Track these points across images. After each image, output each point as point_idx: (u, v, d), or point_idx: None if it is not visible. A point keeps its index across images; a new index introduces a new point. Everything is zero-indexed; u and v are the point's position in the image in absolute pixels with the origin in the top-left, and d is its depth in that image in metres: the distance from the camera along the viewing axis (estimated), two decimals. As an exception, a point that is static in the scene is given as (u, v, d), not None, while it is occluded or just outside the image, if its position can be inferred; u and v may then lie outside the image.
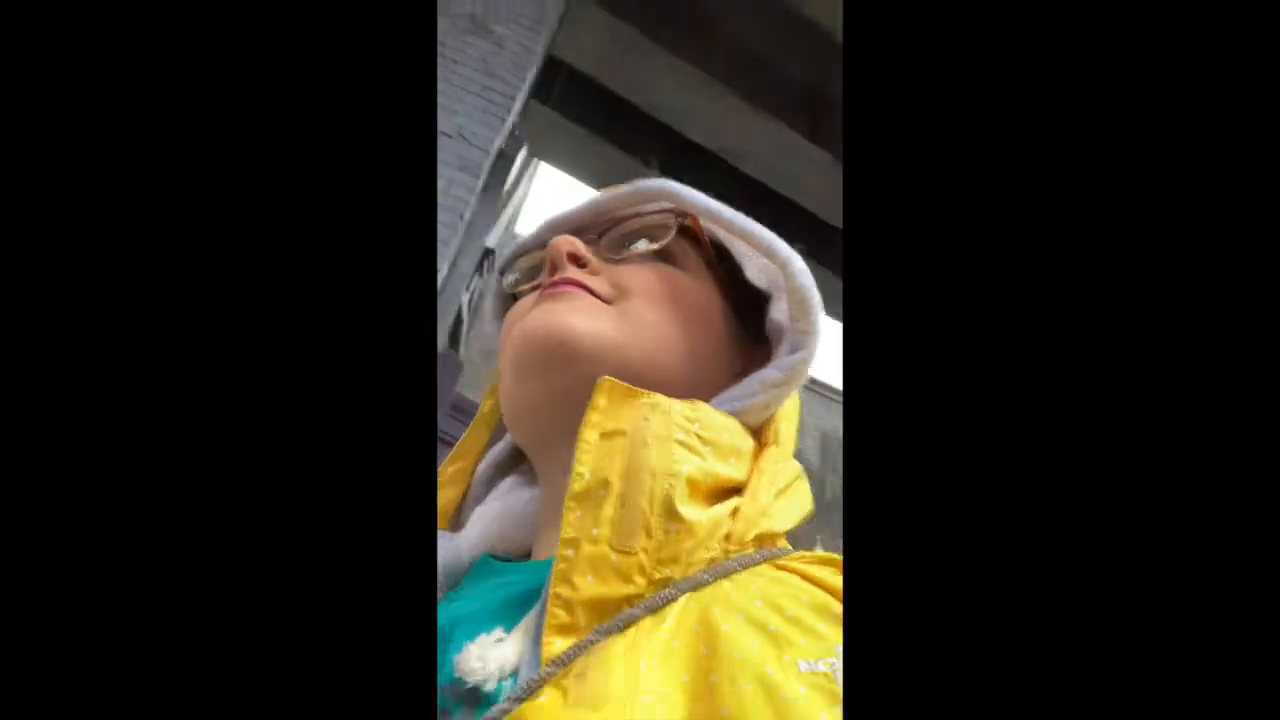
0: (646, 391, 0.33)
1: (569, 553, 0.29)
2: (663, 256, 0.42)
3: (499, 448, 0.48)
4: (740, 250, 0.43)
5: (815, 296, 0.39)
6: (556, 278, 0.39)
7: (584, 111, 3.90)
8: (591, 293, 0.39)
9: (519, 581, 0.34)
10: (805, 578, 0.30)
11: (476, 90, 2.63)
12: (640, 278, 0.40)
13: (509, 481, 0.45)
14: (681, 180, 0.43)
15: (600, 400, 0.33)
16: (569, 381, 0.36)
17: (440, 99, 2.57)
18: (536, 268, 0.44)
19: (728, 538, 0.32)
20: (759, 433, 0.38)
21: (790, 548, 0.35)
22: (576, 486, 0.30)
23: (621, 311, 0.39)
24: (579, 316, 0.37)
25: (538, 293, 0.40)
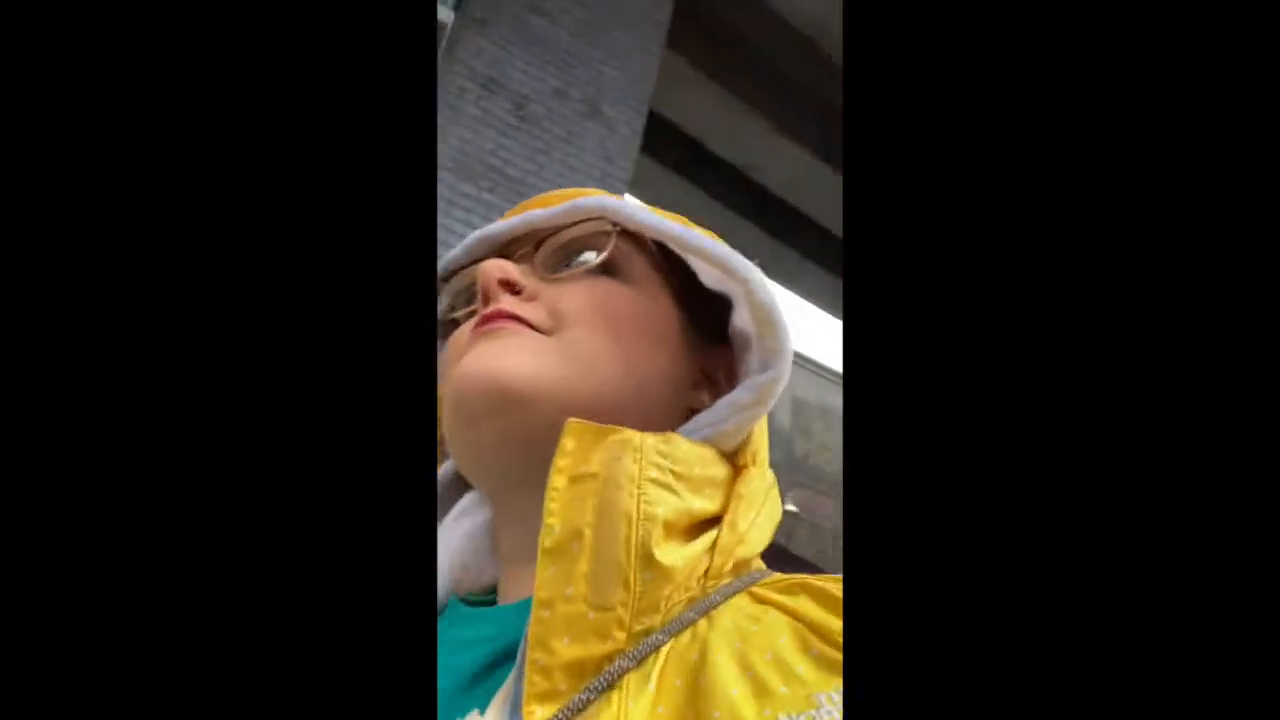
0: (616, 428, 0.32)
1: (544, 614, 0.28)
2: (605, 270, 0.39)
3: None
4: (693, 260, 0.40)
5: (780, 312, 0.37)
6: (489, 310, 0.37)
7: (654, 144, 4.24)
8: (528, 324, 0.37)
9: (490, 638, 0.33)
10: (783, 609, 0.29)
11: (598, 177, 3.01)
12: (582, 300, 0.38)
13: (469, 499, 0.42)
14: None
15: (568, 443, 0.31)
16: (514, 428, 0.34)
17: (568, 186, 2.95)
18: (470, 288, 0.42)
19: (706, 573, 0.31)
20: (735, 455, 0.37)
21: (765, 568, 0.35)
22: (547, 542, 0.29)
23: (562, 343, 0.36)
24: (516, 357, 0.35)
25: (472, 325, 0.38)
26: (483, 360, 0.35)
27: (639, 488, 0.30)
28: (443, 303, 0.44)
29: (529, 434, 0.34)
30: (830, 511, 6.09)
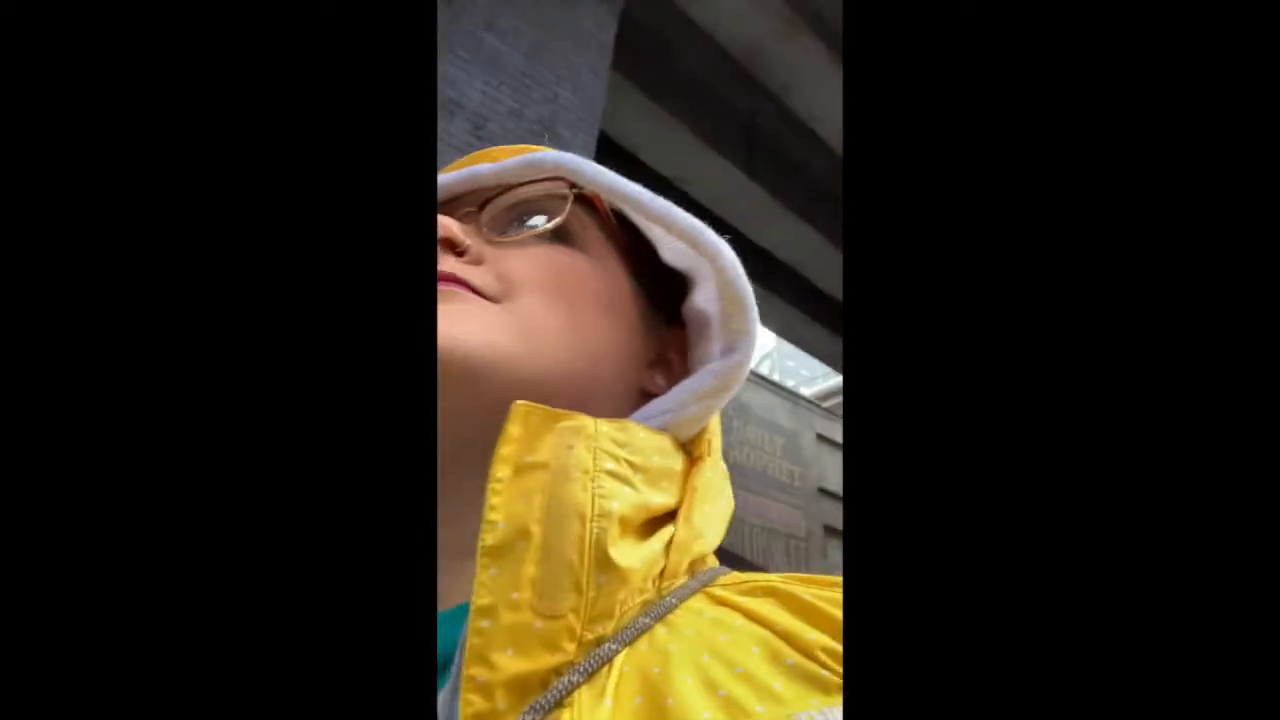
0: (568, 412, 0.29)
1: (484, 624, 0.25)
2: (558, 235, 0.36)
3: None
4: (655, 232, 0.37)
5: (750, 292, 0.35)
6: None
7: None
8: (474, 290, 0.33)
9: None
10: (749, 616, 0.27)
11: (554, 196, 3.15)
12: (533, 267, 0.35)
13: None
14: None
15: (514, 429, 0.28)
16: (457, 404, 0.31)
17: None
18: None
19: (662, 574, 0.29)
20: (691, 445, 0.34)
21: (719, 564, 0.34)
22: (489, 539, 0.26)
23: (511, 312, 0.33)
24: (462, 325, 0.31)
25: None
26: None
27: (593, 480, 0.28)
28: None
29: (474, 409, 0.31)
30: (753, 506, 6.46)
